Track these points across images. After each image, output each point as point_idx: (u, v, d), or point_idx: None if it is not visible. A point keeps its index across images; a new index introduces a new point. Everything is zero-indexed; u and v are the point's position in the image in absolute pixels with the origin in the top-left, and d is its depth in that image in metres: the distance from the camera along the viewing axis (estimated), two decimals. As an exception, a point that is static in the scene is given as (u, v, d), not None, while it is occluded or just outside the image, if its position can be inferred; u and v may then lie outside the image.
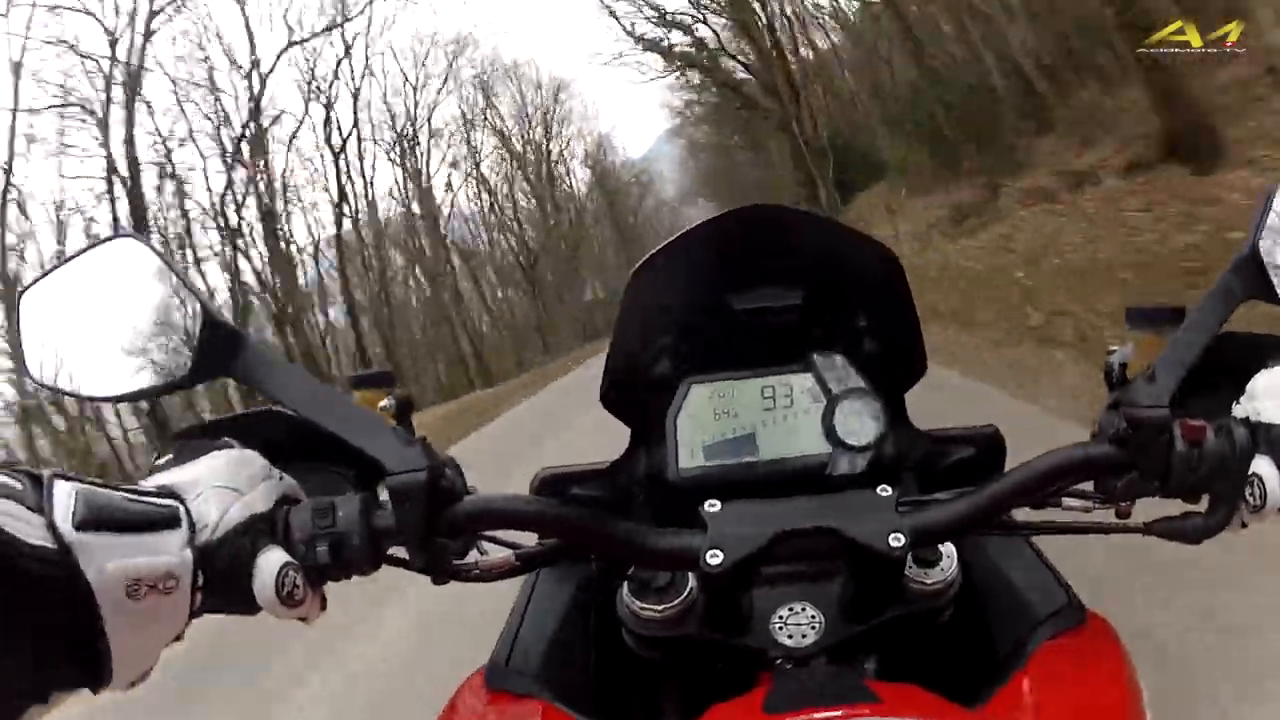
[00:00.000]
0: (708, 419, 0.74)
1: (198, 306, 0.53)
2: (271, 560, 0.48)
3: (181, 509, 0.46)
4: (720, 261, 0.71)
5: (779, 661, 0.64)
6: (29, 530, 0.39)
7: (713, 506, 0.57)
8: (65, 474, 0.43)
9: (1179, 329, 0.60)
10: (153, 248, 0.54)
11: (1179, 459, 0.55)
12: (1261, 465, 0.54)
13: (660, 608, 0.64)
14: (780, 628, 0.65)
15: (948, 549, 0.66)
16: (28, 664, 0.39)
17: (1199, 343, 0.58)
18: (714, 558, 0.54)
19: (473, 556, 0.61)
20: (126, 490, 0.45)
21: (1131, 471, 0.57)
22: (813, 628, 0.64)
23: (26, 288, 0.56)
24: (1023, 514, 0.65)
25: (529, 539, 0.63)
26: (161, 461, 0.52)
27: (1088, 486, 0.62)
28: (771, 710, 0.53)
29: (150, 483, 0.49)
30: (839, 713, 0.51)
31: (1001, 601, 0.71)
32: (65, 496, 0.41)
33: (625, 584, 0.66)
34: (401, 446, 0.52)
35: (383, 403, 0.67)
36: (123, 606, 0.41)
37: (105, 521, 0.42)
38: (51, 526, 0.40)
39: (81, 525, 0.40)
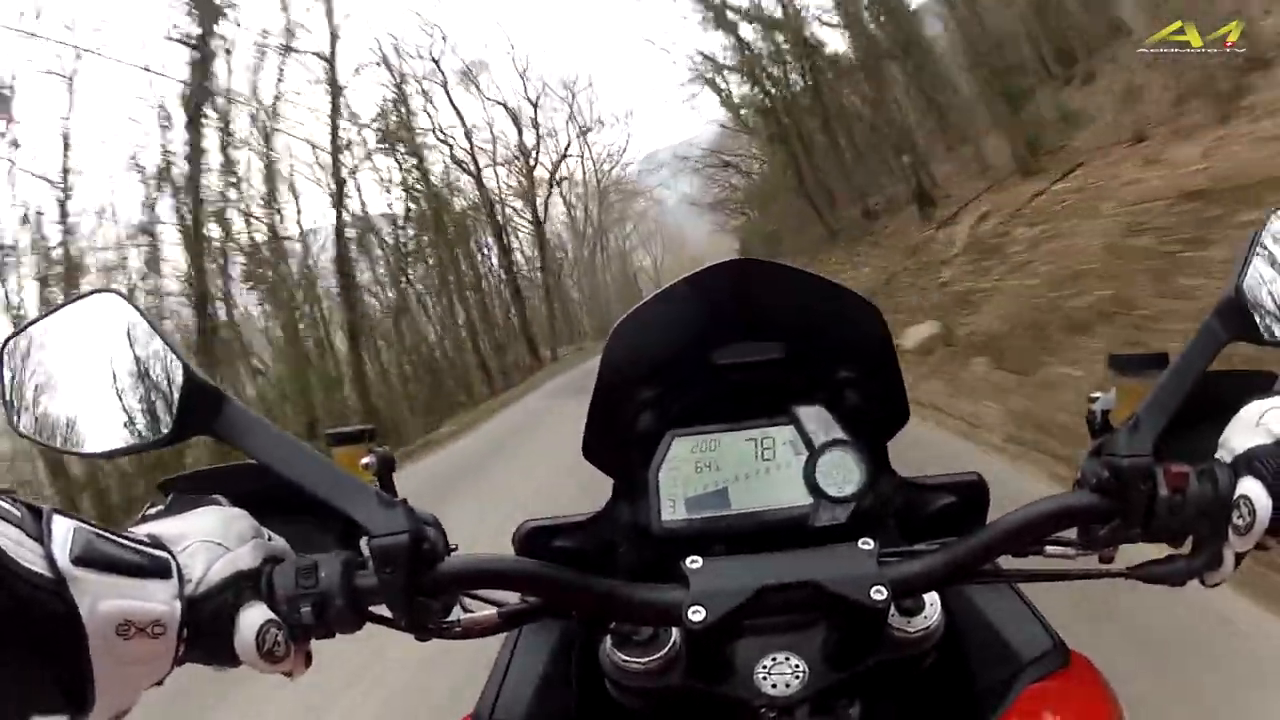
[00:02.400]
0: (690, 472, 0.74)
1: (179, 365, 0.53)
2: (253, 617, 0.49)
3: (172, 561, 0.47)
4: (702, 316, 0.71)
5: (763, 711, 0.64)
6: (28, 557, 0.40)
7: (694, 563, 0.57)
8: (64, 511, 0.43)
9: (1162, 375, 0.61)
10: (134, 304, 0.55)
11: (1162, 505, 0.56)
12: (1248, 485, 0.54)
13: (644, 660, 0.65)
14: (764, 677, 0.65)
15: (931, 596, 0.66)
16: (13, 684, 0.40)
17: (1182, 388, 0.58)
18: (696, 614, 0.55)
19: (456, 613, 0.61)
20: (121, 535, 0.46)
21: (1114, 519, 0.58)
22: (796, 677, 0.65)
23: (10, 337, 0.56)
24: (1005, 560, 0.65)
25: (512, 594, 0.63)
26: (153, 511, 0.53)
27: (1070, 533, 0.63)
28: None
29: (141, 531, 0.49)
30: None
31: (985, 646, 0.71)
32: (64, 531, 0.42)
33: (608, 637, 0.66)
34: (382, 509, 0.53)
35: (364, 460, 0.67)
36: (111, 644, 0.42)
37: (100, 561, 0.43)
38: (49, 557, 0.41)
39: (77, 561, 0.41)
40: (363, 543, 0.54)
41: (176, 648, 0.46)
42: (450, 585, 0.56)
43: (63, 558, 0.41)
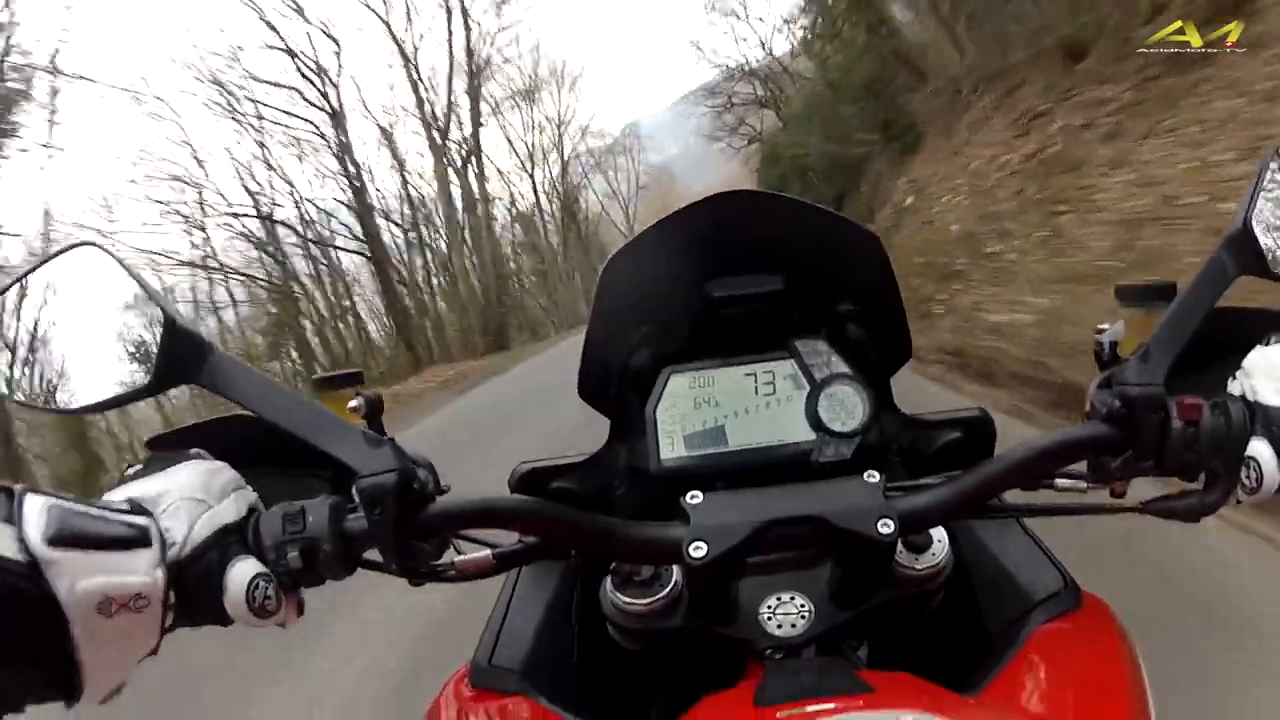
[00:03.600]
0: (688, 408, 0.73)
1: (161, 314, 0.52)
2: (242, 572, 0.48)
3: (152, 527, 0.46)
4: (697, 249, 0.70)
5: (768, 652, 0.62)
6: (2, 544, 0.39)
7: (694, 498, 0.55)
8: (37, 489, 0.42)
9: (1170, 306, 0.59)
10: (114, 255, 0.54)
11: (1175, 437, 0.54)
12: (1258, 447, 0.52)
13: (645, 601, 0.63)
14: (769, 618, 0.63)
15: (939, 533, 0.64)
16: (3, 679, 0.39)
17: (1192, 320, 0.56)
18: (697, 550, 0.53)
19: (449, 556, 0.60)
20: (97, 507, 0.45)
21: (1126, 451, 0.56)
22: (802, 617, 0.63)
23: None
24: (1014, 495, 0.63)
25: (508, 536, 0.61)
26: (131, 471, 0.51)
27: (1080, 467, 0.60)
28: (763, 703, 0.52)
29: (120, 494, 0.48)
30: (832, 705, 0.49)
31: (995, 586, 0.69)
32: (37, 512, 0.41)
33: (608, 578, 0.65)
34: (370, 448, 0.51)
35: (352, 403, 0.66)
36: (94, 624, 0.41)
37: (76, 539, 0.41)
38: (22, 541, 0.39)
39: (52, 541, 0.40)
40: (354, 489, 0.53)
41: (163, 617, 0.45)
42: (441, 526, 0.54)
43: (36, 539, 0.40)
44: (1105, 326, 0.71)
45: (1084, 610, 0.66)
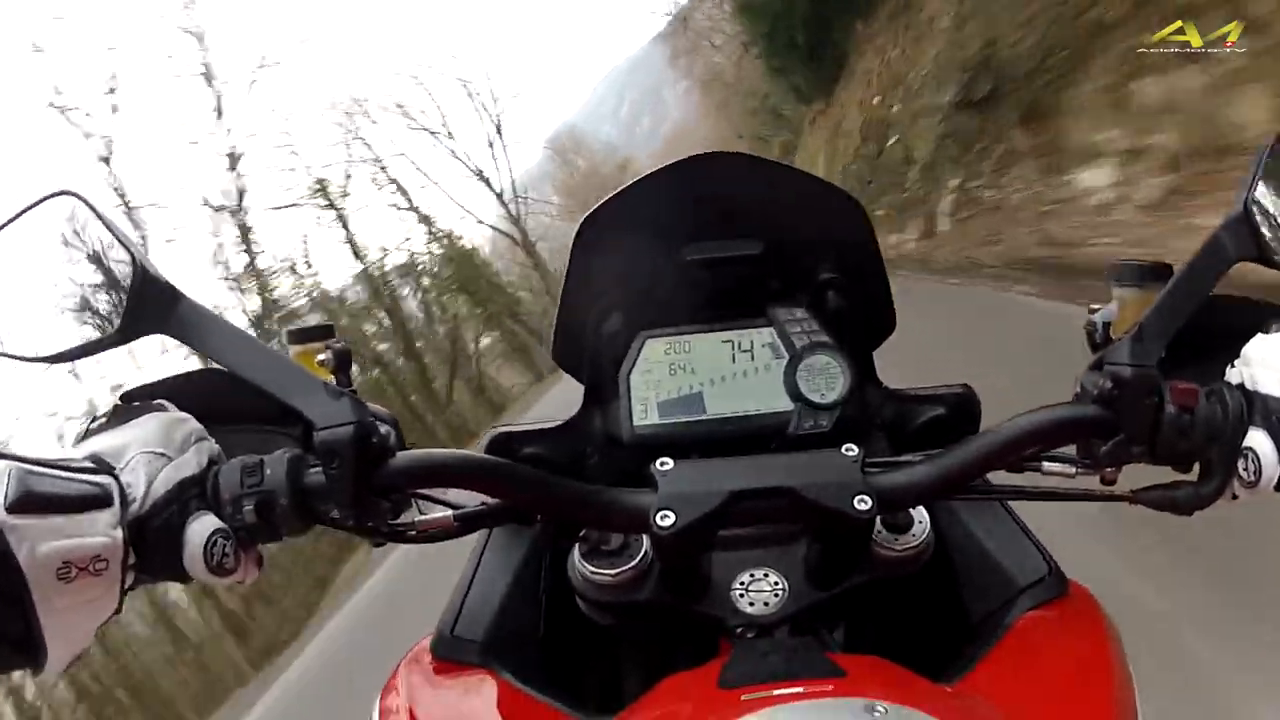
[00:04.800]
0: (663, 375, 0.71)
1: (133, 262, 0.50)
2: (200, 528, 0.47)
3: (113, 484, 0.45)
4: (673, 211, 0.68)
5: (740, 630, 0.60)
6: None
7: (664, 465, 0.53)
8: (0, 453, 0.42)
9: (1165, 286, 0.57)
10: (91, 204, 0.52)
11: (1169, 423, 0.52)
12: (1257, 438, 0.50)
13: (613, 572, 0.61)
14: (741, 594, 0.61)
15: (920, 514, 0.62)
16: None
17: (1188, 303, 0.54)
18: (664, 519, 0.51)
19: (410, 516, 0.58)
20: (59, 466, 0.44)
21: (1117, 434, 0.54)
22: (775, 595, 0.61)
23: None
24: (999, 477, 0.61)
25: (474, 499, 0.59)
26: (95, 425, 0.51)
27: (1069, 451, 0.58)
28: (727, 685, 0.49)
29: (82, 449, 0.48)
30: (799, 689, 0.47)
31: (977, 571, 0.67)
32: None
33: (576, 546, 0.62)
34: (330, 400, 0.50)
35: (320, 357, 0.64)
36: (54, 589, 0.41)
37: (38, 502, 0.41)
38: None
39: (12, 507, 0.40)
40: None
41: (122, 578, 0.45)
42: (401, 482, 0.52)
43: None
44: (1098, 306, 0.69)
45: (1069, 598, 0.64)
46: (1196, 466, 0.54)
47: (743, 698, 0.46)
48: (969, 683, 0.56)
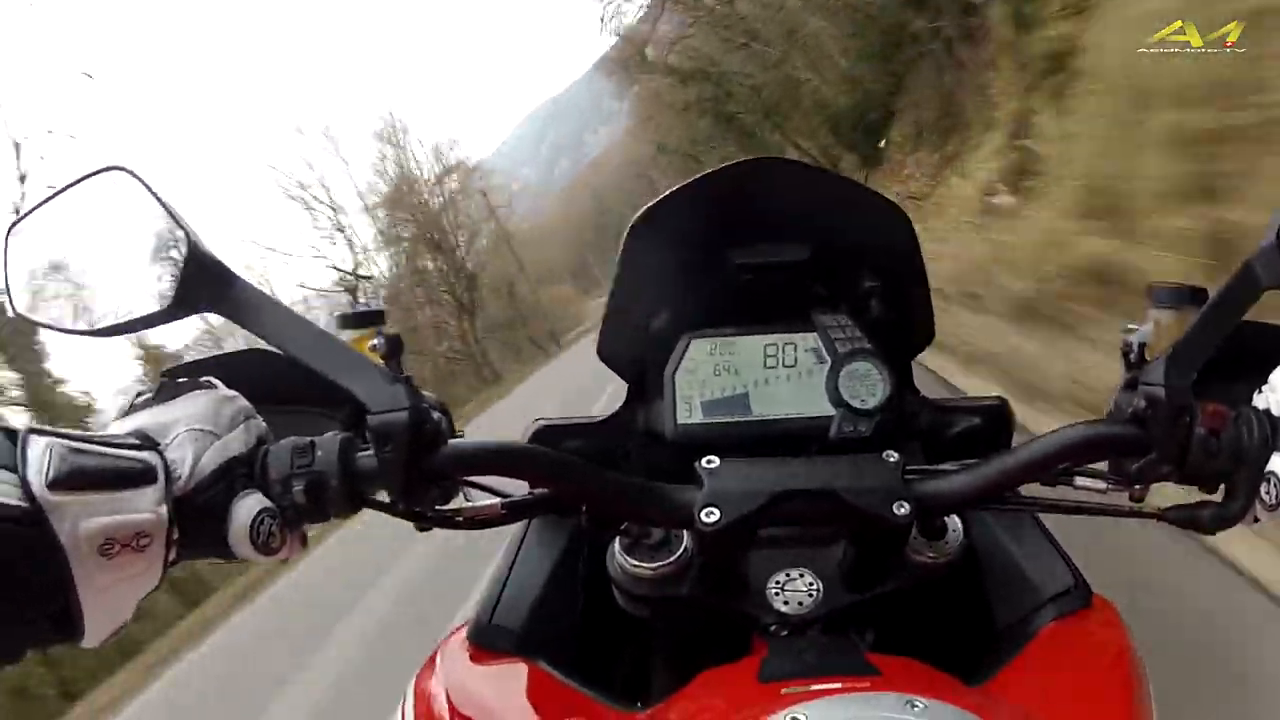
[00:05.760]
0: (708, 375, 0.71)
1: (186, 239, 0.50)
2: (247, 506, 0.47)
3: (158, 460, 0.45)
4: (724, 214, 0.68)
5: (773, 628, 0.62)
6: (3, 490, 0.38)
7: (710, 463, 0.54)
8: (41, 428, 0.41)
9: (1200, 311, 0.58)
10: (143, 180, 0.52)
11: (1198, 444, 0.53)
12: (1279, 463, 0.51)
13: (653, 566, 0.62)
14: (776, 593, 0.63)
15: (954, 522, 0.64)
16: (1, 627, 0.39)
17: (1221, 328, 0.55)
18: (709, 516, 0.52)
19: (457, 503, 0.58)
20: (102, 441, 0.44)
21: (1149, 453, 0.55)
22: (810, 595, 0.62)
23: (15, 222, 0.53)
24: (1032, 490, 0.63)
25: (517, 489, 0.60)
26: (140, 400, 0.50)
27: (1101, 467, 0.60)
28: (767, 679, 0.51)
29: (127, 424, 0.47)
30: (837, 684, 0.48)
31: (1005, 580, 0.69)
32: (40, 452, 0.40)
33: (617, 540, 0.63)
34: (385, 385, 0.50)
35: (372, 342, 0.64)
36: (95, 565, 0.41)
37: (80, 479, 0.41)
38: (25, 485, 0.39)
39: (55, 484, 0.39)
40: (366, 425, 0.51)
41: (166, 553, 0.44)
42: (452, 468, 0.52)
43: (38, 483, 0.39)
44: (1134, 326, 0.70)
45: (1093, 611, 0.65)
46: (1222, 488, 0.56)
47: (783, 691, 0.48)
48: (995, 687, 0.58)
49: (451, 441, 0.52)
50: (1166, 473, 0.56)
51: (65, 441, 0.41)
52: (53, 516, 0.39)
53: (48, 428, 0.42)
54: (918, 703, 0.42)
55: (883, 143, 13.02)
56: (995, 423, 0.74)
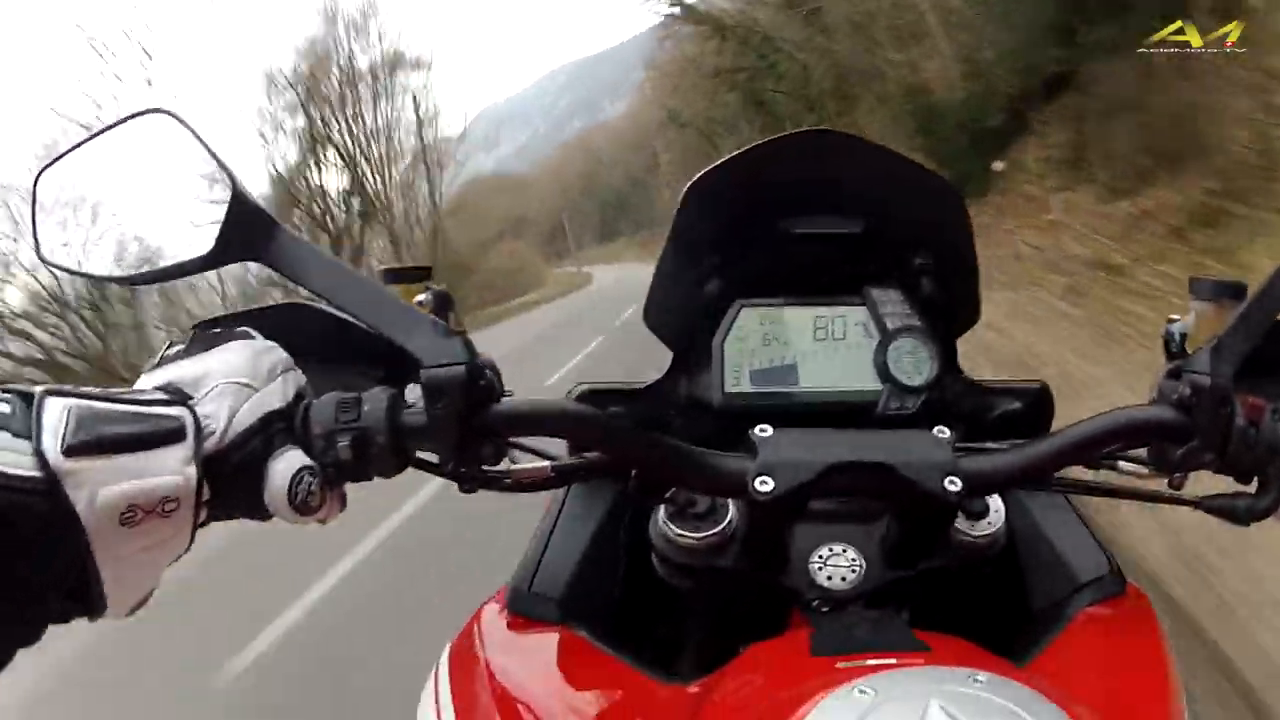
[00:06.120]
0: (756, 344, 0.71)
1: (230, 184, 0.48)
2: (286, 463, 0.45)
3: (188, 416, 0.42)
4: (779, 183, 0.67)
5: (815, 603, 0.62)
6: (13, 460, 0.36)
7: (764, 432, 0.54)
8: (59, 389, 0.39)
9: (1243, 304, 0.59)
10: (185, 123, 0.50)
11: (1238, 435, 0.54)
12: None
13: (698, 535, 0.62)
14: (819, 568, 0.63)
15: (995, 502, 0.64)
16: (14, 605, 0.36)
17: (1264, 321, 0.56)
18: (763, 484, 0.51)
19: (504, 465, 0.57)
20: (127, 399, 0.41)
21: (1190, 440, 0.56)
22: (853, 571, 0.62)
23: (46, 165, 0.51)
24: (1071, 473, 0.63)
25: (559, 451, 0.59)
26: (172, 352, 0.48)
27: (1140, 453, 0.61)
28: (820, 653, 0.51)
29: (156, 377, 0.45)
30: (891, 660, 0.48)
31: (1042, 563, 0.69)
32: (56, 416, 0.38)
33: (661, 508, 0.63)
34: (440, 339, 0.48)
35: (419, 297, 0.63)
36: (116, 535, 0.38)
37: (98, 443, 0.38)
38: (39, 453, 0.36)
39: (71, 449, 0.37)
40: (408, 389, 0.50)
41: (195, 515, 0.42)
42: (504, 427, 0.51)
43: (53, 450, 0.37)
44: (1176, 318, 0.71)
45: (1126, 599, 0.66)
46: (1256, 480, 0.57)
47: (838, 665, 0.47)
48: (1034, 668, 0.59)
49: (505, 400, 0.51)
50: (1207, 461, 0.56)
51: (84, 402, 0.39)
52: (68, 485, 0.37)
53: (67, 387, 0.40)
54: (979, 676, 0.42)
55: (999, 164, 8.30)
56: (1035, 406, 0.75)
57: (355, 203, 24.65)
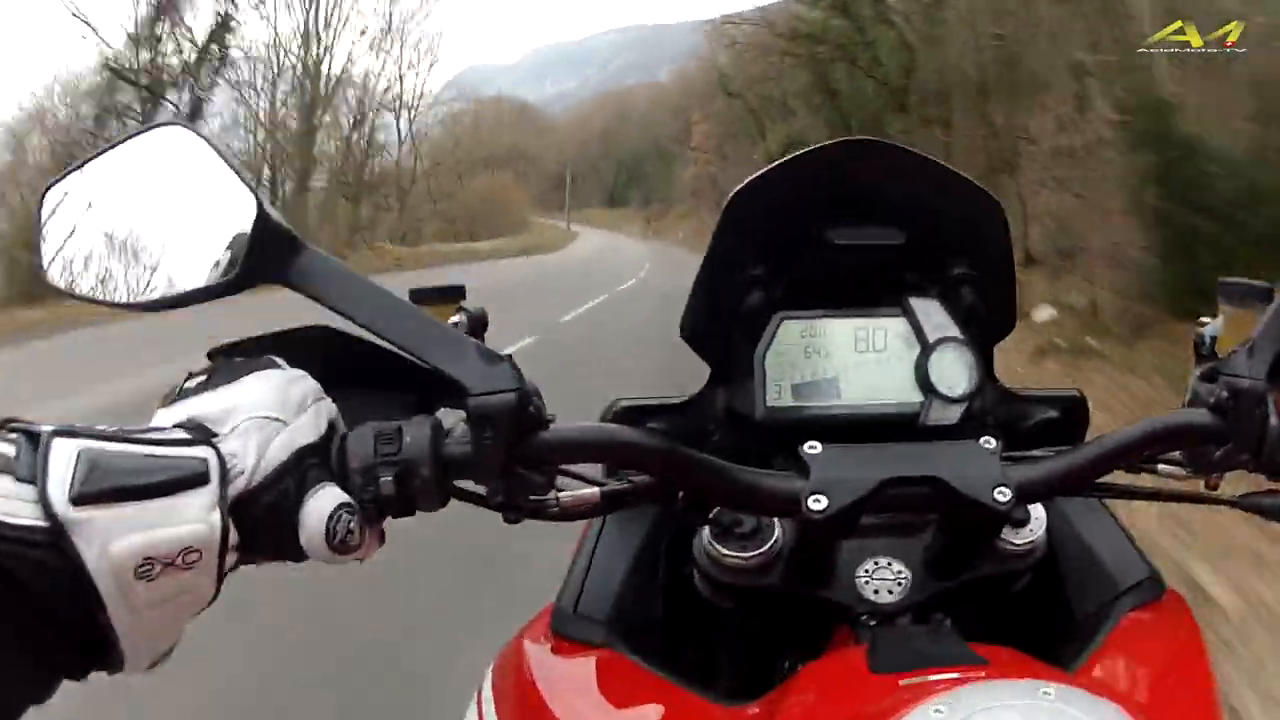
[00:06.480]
0: (797, 357, 0.71)
1: (252, 203, 0.46)
2: (322, 502, 0.42)
3: (212, 456, 0.39)
4: (821, 193, 0.67)
5: (864, 617, 0.62)
6: (17, 508, 0.33)
7: (813, 449, 0.53)
8: (69, 428, 0.37)
9: (1273, 305, 0.60)
10: (205, 137, 0.48)
11: (1273, 433, 0.54)
12: None
13: (745, 555, 0.62)
14: (866, 582, 0.63)
15: (1037, 510, 0.65)
16: (22, 663, 0.34)
17: None
18: (817, 503, 0.50)
19: (549, 493, 0.55)
20: (144, 439, 0.38)
21: (1227, 443, 0.56)
22: (899, 584, 0.63)
23: (53, 182, 0.49)
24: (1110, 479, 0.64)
25: (596, 471, 0.58)
26: (192, 384, 0.44)
27: (1177, 455, 0.61)
28: (880, 670, 0.50)
29: (177, 413, 0.42)
30: (955, 675, 0.48)
31: (1082, 569, 0.69)
32: (64, 460, 0.35)
33: (706, 528, 0.63)
34: (486, 365, 0.46)
35: (454, 319, 0.60)
36: (131, 591, 0.36)
37: (110, 490, 0.35)
38: (44, 502, 0.34)
39: (81, 498, 0.34)
40: (442, 412, 0.49)
41: (220, 564, 0.39)
42: (553, 456, 0.50)
43: (60, 498, 0.34)
44: (1207, 321, 0.72)
45: (1166, 603, 0.66)
46: None
47: (901, 683, 0.47)
48: (1082, 675, 0.59)
49: (552, 427, 0.49)
50: (1243, 461, 0.57)
51: (96, 444, 0.36)
52: (76, 536, 0.34)
53: (78, 426, 0.37)
54: (1047, 689, 0.42)
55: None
56: (1071, 415, 0.75)
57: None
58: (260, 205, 0.46)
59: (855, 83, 11.62)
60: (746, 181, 0.66)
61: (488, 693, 0.64)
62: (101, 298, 0.48)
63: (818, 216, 0.69)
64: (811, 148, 0.65)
